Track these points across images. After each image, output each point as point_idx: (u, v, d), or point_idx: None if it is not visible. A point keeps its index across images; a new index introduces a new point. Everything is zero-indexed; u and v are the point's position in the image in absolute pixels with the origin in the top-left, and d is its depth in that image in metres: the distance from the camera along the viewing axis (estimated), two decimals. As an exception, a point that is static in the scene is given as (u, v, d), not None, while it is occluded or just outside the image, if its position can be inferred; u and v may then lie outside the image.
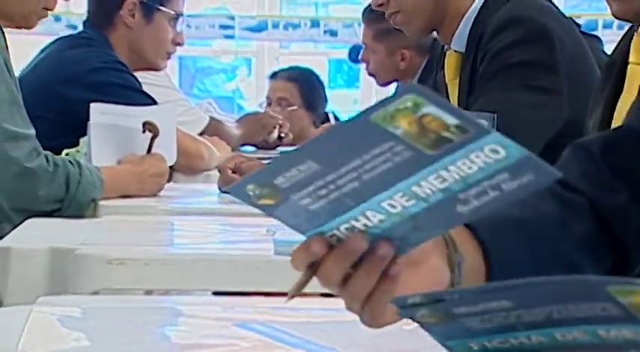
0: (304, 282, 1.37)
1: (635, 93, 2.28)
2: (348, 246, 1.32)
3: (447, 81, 3.26)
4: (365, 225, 1.32)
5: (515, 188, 1.25)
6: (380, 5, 3.25)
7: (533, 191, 1.26)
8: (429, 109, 1.16)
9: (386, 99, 1.17)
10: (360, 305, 1.36)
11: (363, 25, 5.26)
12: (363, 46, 5.19)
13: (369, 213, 1.31)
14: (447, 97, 3.24)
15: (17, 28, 3.00)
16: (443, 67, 3.32)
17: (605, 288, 1.16)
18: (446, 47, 3.26)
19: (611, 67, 2.37)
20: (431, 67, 4.89)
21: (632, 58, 2.33)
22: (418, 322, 1.28)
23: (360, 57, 5.24)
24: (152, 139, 3.22)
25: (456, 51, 3.20)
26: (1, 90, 2.85)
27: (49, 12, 3.14)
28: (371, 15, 5.11)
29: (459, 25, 3.17)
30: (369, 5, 5.27)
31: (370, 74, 5.24)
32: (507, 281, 1.22)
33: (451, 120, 1.17)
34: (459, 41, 3.18)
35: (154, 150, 3.23)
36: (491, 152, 1.22)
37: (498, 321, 1.27)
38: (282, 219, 1.35)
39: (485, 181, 1.26)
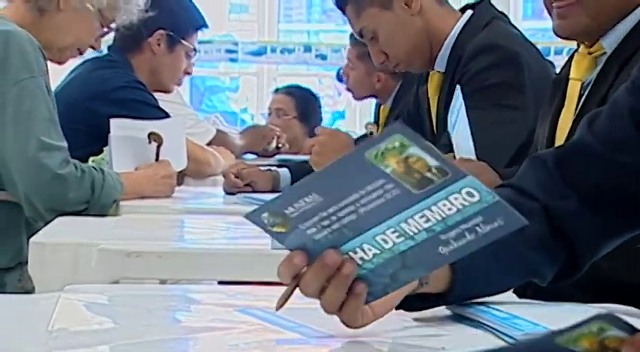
0: (289, 293, 1.39)
1: (574, 107, 2.28)
2: (324, 260, 1.33)
3: (429, 96, 3.27)
4: (361, 259, 1.34)
5: (488, 231, 1.27)
6: (382, 63, 3.28)
7: (503, 235, 1.28)
8: (414, 150, 1.19)
9: (378, 137, 1.20)
10: (334, 311, 1.37)
11: (348, 45, 5.23)
12: (347, 61, 5.18)
13: (365, 247, 1.33)
14: (429, 110, 3.27)
15: (50, 60, 3.01)
16: (426, 82, 3.32)
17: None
18: (430, 69, 3.27)
19: (558, 83, 2.36)
20: (408, 87, 4.88)
21: (572, 75, 2.32)
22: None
23: (342, 70, 5.23)
24: (158, 147, 3.23)
25: (438, 71, 3.22)
26: (41, 109, 2.87)
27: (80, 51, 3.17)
28: (355, 38, 5.13)
29: (440, 49, 3.19)
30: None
31: (348, 89, 5.23)
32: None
33: (432, 162, 1.20)
34: (440, 63, 3.21)
35: (162, 156, 3.24)
36: (467, 195, 1.25)
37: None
38: (291, 248, 1.36)
39: (463, 224, 1.28)
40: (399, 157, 1.20)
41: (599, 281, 1.74)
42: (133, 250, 2.18)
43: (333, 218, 1.31)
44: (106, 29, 3.21)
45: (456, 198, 1.25)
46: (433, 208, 1.27)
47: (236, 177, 3.45)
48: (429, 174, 1.22)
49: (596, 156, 1.67)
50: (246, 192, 3.36)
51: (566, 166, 1.69)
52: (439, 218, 1.27)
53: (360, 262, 1.35)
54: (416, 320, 1.50)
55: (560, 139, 2.29)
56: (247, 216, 1.36)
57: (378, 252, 1.33)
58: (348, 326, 1.38)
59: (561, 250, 1.64)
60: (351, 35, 5.20)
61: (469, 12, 3.23)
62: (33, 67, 2.89)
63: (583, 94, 2.27)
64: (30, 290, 2.28)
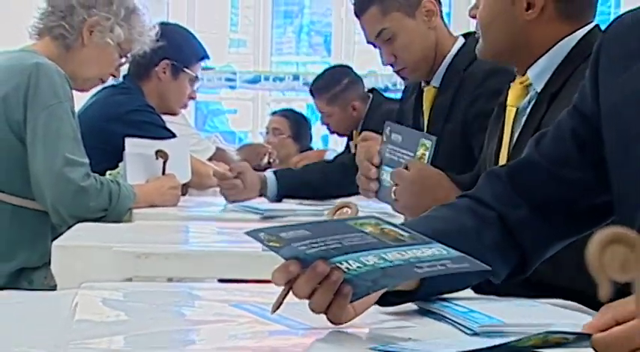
0: (283, 296, 1.39)
1: (510, 130, 2.29)
2: (315, 269, 1.34)
3: (423, 110, 3.14)
4: (347, 268, 1.35)
5: (455, 267, 1.32)
6: (389, 64, 3.14)
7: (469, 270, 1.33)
8: (388, 226, 1.26)
9: (355, 217, 1.32)
10: (322, 311, 1.37)
11: (314, 99, 5.13)
12: (320, 115, 5.13)
13: (350, 261, 1.34)
14: (416, 122, 3.16)
15: (75, 89, 3.02)
16: (411, 96, 3.25)
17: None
18: (423, 83, 3.16)
19: (502, 108, 2.37)
20: (377, 107, 4.84)
21: (508, 102, 2.33)
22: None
23: (322, 122, 5.19)
24: (164, 163, 3.23)
25: (433, 86, 3.12)
26: (67, 130, 2.88)
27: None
28: (317, 87, 5.07)
29: (439, 65, 3.10)
30: (313, 82, 5.21)
31: (332, 132, 5.19)
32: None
33: (405, 233, 1.26)
34: (436, 78, 3.11)
35: (168, 170, 3.24)
36: (437, 250, 1.29)
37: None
38: (285, 257, 1.38)
39: (434, 261, 1.31)
40: (375, 227, 1.26)
41: (539, 281, 1.73)
42: (142, 252, 2.18)
43: (321, 244, 1.32)
44: (124, 59, 3.20)
45: (427, 249, 1.30)
46: (408, 251, 1.30)
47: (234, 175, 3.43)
48: (401, 237, 1.27)
49: (543, 171, 1.67)
50: (241, 200, 3.33)
51: (518, 180, 1.69)
52: (413, 255, 1.30)
53: (345, 270, 1.36)
54: (389, 313, 1.49)
55: (503, 157, 2.29)
56: (247, 233, 1.37)
57: (361, 266, 1.34)
58: (333, 323, 1.39)
59: (513, 253, 1.63)
60: (310, 89, 5.16)
61: (462, 39, 3.17)
62: (60, 94, 2.89)
63: (518, 119, 2.27)
64: (53, 287, 2.27)
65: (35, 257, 2.91)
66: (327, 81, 5.04)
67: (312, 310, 1.37)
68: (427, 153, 2.49)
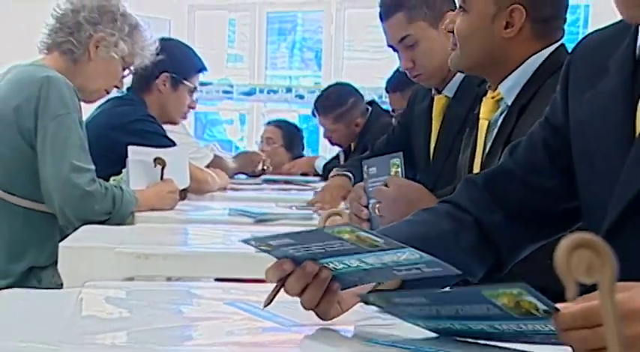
0: (275, 292, 1.40)
1: (483, 141, 2.30)
2: (305, 268, 1.35)
3: (432, 117, 3.09)
4: (334, 268, 1.36)
5: (430, 271, 1.31)
6: (408, 69, 3.07)
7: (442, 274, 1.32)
8: (363, 233, 1.26)
9: (331, 226, 1.31)
10: (312, 308, 1.37)
11: (320, 117, 5.11)
12: (324, 130, 5.12)
13: (335, 262, 1.34)
14: (427, 129, 3.13)
15: (83, 100, 3.02)
16: (422, 102, 3.21)
17: (480, 293, 1.17)
18: (433, 91, 3.11)
19: (475, 120, 2.38)
20: (375, 120, 4.84)
21: (480, 115, 2.34)
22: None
23: (324, 136, 5.18)
24: (162, 169, 3.23)
25: (445, 95, 3.07)
26: (74, 138, 2.87)
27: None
28: (323, 107, 5.05)
29: (453, 76, 3.02)
30: (318, 101, 5.19)
31: (333, 144, 5.18)
32: (424, 290, 1.28)
33: (379, 240, 1.26)
34: (450, 88, 3.05)
35: (167, 176, 3.24)
36: (410, 254, 1.28)
37: (426, 312, 1.30)
38: (277, 257, 1.39)
39: (410, 265, 1.31)
40: (351, 234, 1.26)
41: (513, 281, 1.72)
42: (143, 253, 2.17)
43: (307, 250, 1.33)
44: (127, 72, 3.21)
45: (402, 255, 1.29)
46: (385, 256, 1.30)
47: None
48: (376, 243, 1.27)
49: (517, 178, 1.67)
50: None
51: (493, 186, 1.69)
52: (390, 260, 1.30)
53: (332, 269, 1.36)
54: (371, 312, 1.49)
55: (476, 166, 2.30)
56: (243, 240, 1.39)
57: (346, 267, 1.35)
58: (321, 318, 1.39)
59: (489, 254, 1.63)
60: (316, 108, 5.12)
61: None
62: (68, 105, 2.88)
63: (490, 131, 2.28)
64: (60, 285, 2.26)
65: (44, 257, 2.90)
66: (332, 101, 5.02)
67: (303, 306, 1.37)
68: (399, 170, 2.54)
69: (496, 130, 2.25)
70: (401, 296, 1.31)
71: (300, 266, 1.35)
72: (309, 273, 1.35)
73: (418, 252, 1.28)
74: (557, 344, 1.21)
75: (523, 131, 2.07)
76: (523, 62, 2.26)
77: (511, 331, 1.23)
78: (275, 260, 1.39)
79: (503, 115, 2.25)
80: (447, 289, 1.29)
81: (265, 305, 1.39)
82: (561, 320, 1.12)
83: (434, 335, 1.33)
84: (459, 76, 2.98)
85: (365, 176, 2.66)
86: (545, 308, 1.14)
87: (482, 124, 2.31)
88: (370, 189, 2.70)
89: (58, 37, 3.04)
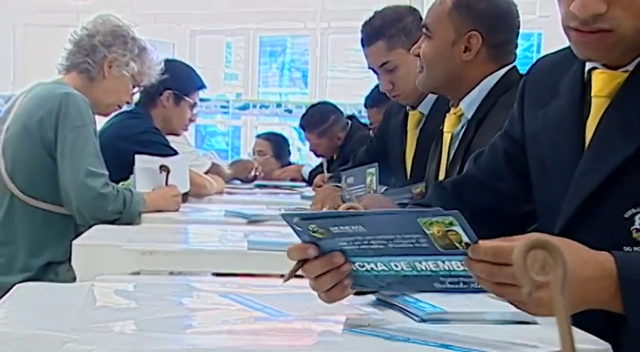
0: (295, 270, 1.35)
1: (447, 152, 2.31)
2: (332, 258, 1.30)
3: (407, 130, 3.02)
4: (372, 268, 1.29)
5: (472, 287, 1.22)
6: (387, 90, 3.01)
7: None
8: (457, 228, 1.14)
9: (435, 211, 1.14)
10: (322, 291, 1.33)
11: (305, 132, 5.10)
12: (309, 144, 5.12)
13: (378, 264, 1.27)
14: (402, 141, 3.07)
15: (97, 114, 3.03)
16: (395, 118, 3.17)
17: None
18: (408, 107, 3.05)
19: (441, 134, 2.40)
20: (354, 132, 4.84)
21: (444, 128, 2.36)
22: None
23: (310, 149, 5.19)
24: (167, 175, 3.22)
25: (420, 112, 3.02)
26: (90, 147, 2.88)
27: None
28: (309, 124, 5.04)
29: (427, 95, 2.94)
30: (304, 118, 5.17)
31: (318, 155, 5.18)
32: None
33: (465, 238, 1.15)
34: (425, 105, 3.01)
35: (170, 182, 3.23)
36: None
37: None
38: (304, 241, 1.31)
39: (462, 277, 1.21)
40: (442, 228, 1.15)
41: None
42: (147, 249, 2.15)
43: (365, 242, 1.25)
44: (136, 89, 3.21)
45: (461, 262, 1.19)
46: (446, 262, 1.21)
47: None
48: (457, 244, 1.16)
49: (480, 183, 1.67)
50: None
51: (460, 190, 1.69)
52: (447, 268, 1.22)
53: (369, 270, 1.29)
54: (353, 304, 1.48)
55: (441, 174, 2.33)
56: (288, 216, 1.29)
57: (386, 269, 1.28)
58: (325, 301, 1.34)
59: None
60: (301, 125, 5.11)
61: None
62: (85, 118, 2.89)
63: (453, 143, 2.30)
64: (74, 278, 2.25)
65: (60, 253, 2.89)
66: (316, 119, 5.04)
67: (314, 289, 1.33)
68: (374, 178, 2.58)
69: (458, 142, 2.27)
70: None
71: (327, 254, 1.30)
72: (334, 263, 1.29)
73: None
74: (464, 292, 1.22)
75: (481, 141, 2.11)
76: (480, 81, 2.28)
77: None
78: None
79: (464, 128, 2.28)
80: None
81: (285, 281, 1.35)
82: (475, 251, 1.13)
83: (414, 326, 1.32)
84: (433, 95, 2.92)
85: (344, 185, 2.69)
86: (467, 241, 1.13)
87: (446, 137, 2.33)
88: (347, 196, 2.73)
89: (76, 59, 3.06)
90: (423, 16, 2.50)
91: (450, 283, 1.23)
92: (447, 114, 2.37)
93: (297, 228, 1.30)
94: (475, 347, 1.17)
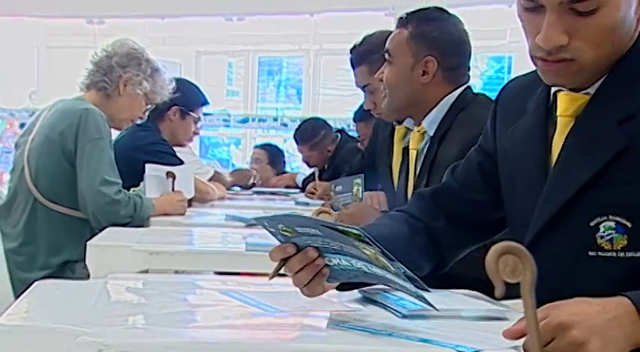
0: (278, 269, 1.37)
1: (413, 166, 2.33)
2: (306, 253, 1.33)
3: (394, 142, 2.87)
4: (338, 263, 1.32)
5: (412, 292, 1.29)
6: (370, 109, 2.93)
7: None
8: (383, 258, 1.24)
9: (363, 241, 1.24)
10: (302, 286, 1.35)
11: (298, 145, 5.08)
12: (302, 155, 5.11)
13: (342, 259, 1.31)
14: (389, 153, 2.93)
15: (113, 128, 3.04)
16: (383, 132, 3.09)
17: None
18: (395, 123, 2.89)
19: (406, 150, 2.42)
20: (343, 145, 4.84)
21: (410, 146, 2.38)
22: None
23: (303, 160, 5.18)
24: (173, 182, 3.21)
25: (405, 127, 2.86)
26: (106, 158, 2.88)
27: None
28: (301, 138, 5.01)
29: None
30: (297, 132, 5.15)
31: (310, 166, 5.16)
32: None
33: (391, 268, 1.25)
34: (410, 121, 2.97)
35: (176, 188, 3.23)
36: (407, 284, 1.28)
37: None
38: (281, 242, 1.35)
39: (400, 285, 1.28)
40: (372, 254, 1.25)
41: (453, 275, 1.72)
42: (154, 250, 2.16)
43: (326, 243, 1.30)
44: (149, 105, 3.20)
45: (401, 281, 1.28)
46: (386, 275, 1.28)
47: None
48: (386, 268, 1.27)
49: (456, 193, 1.66)
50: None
51: (438, 199, 1.68)
52: (390, 279, 1.28)
53: (336, 263, 1.33)
54: (340, 301, 1.47)
55: (410, 187, 2.36)
56: (261, 222, 1.34)
57: (349, 265, 1.31)
58: (308, 295, 1.37)
59: (435, 253, 1.62)
60: (296, 139, 5.10)
61: None
62: (102, 131, 2.90)
63: (419, 158, 2.32)
64: (88, 276, 2.25)
65: (77, 252, 2.88)
66: (308, 134, 5.04)
67: (295, 284, 1.36)
68: (360, 187, 2.60)
69: (423, 157, 2.30)
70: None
71: (302, 251, 1.33)
72: (308, 258, 1.33)
73: (410, 288, 1.26)
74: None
75: (443, 155, 2.15)
76: (439, 102, 2.32)
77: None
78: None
79: (427, 145, 2.30)
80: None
81: (270, 278, 1.38)
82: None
83: (396, 321, 1.32)
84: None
85: (332, 193, 2.70)
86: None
87: (412, 153, 2.36)
88: (336, 203, 2.74)
89: (95, 77, 3.07)
90: None
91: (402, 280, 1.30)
92: (411, 133, 2.39)
93: (270, 229, 1.34)
94: (452, 341, 1.17)
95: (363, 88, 3.06)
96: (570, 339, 1.07)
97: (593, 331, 1.09)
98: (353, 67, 3.06)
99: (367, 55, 3.00)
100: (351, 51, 3.05)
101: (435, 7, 2.37)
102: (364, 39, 3.05)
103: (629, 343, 1.14)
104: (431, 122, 2.31)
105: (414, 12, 2.36)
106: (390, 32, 3.04)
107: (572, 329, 1.08)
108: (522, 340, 1.06)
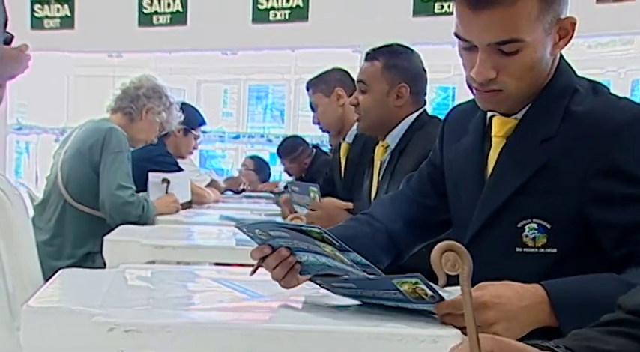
0: (258, 266, 1.36)
1: (377, 176, 2.34)
2: (279, 252, 1.32)
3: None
4: (306, 260, 1.32)
5: (369, 273, 1.26)
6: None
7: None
8: (340, 254, 1.21)
9: (322, 241, 1.22)
10: (279, 280, 1.35)
11: (280, 158, 5.04)
12: (284, 166, 5.09)
13: (310, 256, 1.30)
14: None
15: (131, 146, 3.02)
16: (337, 152, 3.08)
17: (391, 282, 1.15)
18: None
19: (372, 162, 2.43)
20: (317, 158, 4.83)
21: (375, 157, 2.39)
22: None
23: (284, 171, 5.16)
24: (167, 186, 3.22)
25: (347, 142, 2.95)
26: (123, 168, 2.88)
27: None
28: (283, 152, 4.97)
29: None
30: (279, 147, 5.10)
31: (290, 175, 5.15)
32: (354, 279, 1.25)
33: (346, 260, 1.22)
34: (349, 136, 2.96)
35: (173, 192, 3.22)
36: (359, 267, 1.24)
37: (354, 293, 1.28)
38: (258, 244, 1.34)
39: (368, 268, 1.25)
40: (331, 250, 1.22)
41: (408, 267, 1.71)
42: (160, 244, 2.15)
43: (295, 244, 1.29)
44: (161, 131, 3.21)
45: (353, 268, 1.25)
46: (345, 265, 1.25)
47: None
48: (342, 260, 1.24)
49: (411, 199, 1.66)
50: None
51: (395, 204, 1.67)
52: (348, 268, 1.26)
53: (305, 261, 1.32)
54: (315, 289, 1.46)
55: (373, 192, 2.35)
56: (242, 228, 1.33)
57: (316, 261, 1.31)
58: (284, 287, 1.36)
59: (393, 249, 1.61)
60: (279, 153, 5.06)
61: None
62: (122, 146, 2.91)
63: (382, 168, 2.32)
64: (104, 265, 2.24)
65: (97, 245, 2.84)
66: (289, 149, 5.02)
67: (273, 278, 1.35)
68: (317, 195, 2.61)
69: (385, 167, 2.30)
70: (338, 282, 1.29)
71: (276, 250, 1.32)
72: (282, 256, 1.32)
73: (363, 262, 1.24)
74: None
75: (402, 166, 2.16)
76: (402, 120, 2.31)
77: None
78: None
79: (389, 157, 2.30)
80: (371, 277, 1.26)
81: (251, 274, 1.37)
82: (441, 307, 1.14)
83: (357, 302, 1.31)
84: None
85: (291, 192, 2.75)
86: (432, 294, 1.14)
87: (376, 164, 2.37)
88: (294, 199, 2.78)
89: (122, 103, 3.08)
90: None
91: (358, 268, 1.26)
92: (377, 147, 2.39)
93: (249, 234, 1.34)
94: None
95: (312, 108, 3.16)
96: (485, 317, 1.11)
97: (506, 315, 1.12)
98: (308, 90, 3.17)
99: (313, 79, 3.15)
100: (308, 82, 3.18)
101: (398, 44, 2.38)
102: (320, 73, 3.15)
103: (531, 326, 1.16)
104: (394, 138, 2.32)
105: (380, 48, 2.36)
106: (337, 68, 3.12)
107: (490, 309, 1.12)
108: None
